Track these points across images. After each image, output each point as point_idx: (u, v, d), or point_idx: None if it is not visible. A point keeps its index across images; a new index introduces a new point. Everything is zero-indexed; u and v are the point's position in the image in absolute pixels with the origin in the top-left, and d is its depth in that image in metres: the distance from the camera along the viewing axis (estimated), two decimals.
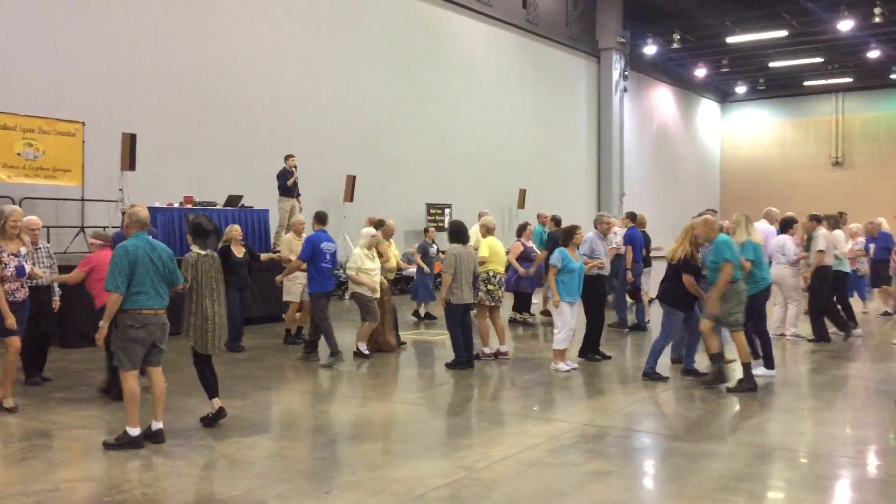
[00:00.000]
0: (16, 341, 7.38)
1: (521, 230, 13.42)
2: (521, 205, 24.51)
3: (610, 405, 7.76)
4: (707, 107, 40.15)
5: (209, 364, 6.93)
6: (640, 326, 12.57)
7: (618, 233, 13.03)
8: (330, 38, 19.05)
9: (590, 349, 10.02)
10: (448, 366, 9.50)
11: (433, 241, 14.93)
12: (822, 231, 11.26)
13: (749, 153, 40.48)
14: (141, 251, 6.24)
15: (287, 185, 15.44)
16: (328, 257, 9.88)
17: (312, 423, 7.36)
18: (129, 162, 13.88)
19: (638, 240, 12.53)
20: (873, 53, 30.57)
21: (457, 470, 5.72)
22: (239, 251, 10.66)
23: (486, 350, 10.13)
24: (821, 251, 11.05)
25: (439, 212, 21.71)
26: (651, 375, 8.69)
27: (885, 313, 14.42)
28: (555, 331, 9.31)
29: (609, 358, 10.02)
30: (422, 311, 14.06)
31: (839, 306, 11.72)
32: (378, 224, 11.78)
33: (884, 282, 14.22)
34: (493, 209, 23.82)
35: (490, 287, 10.09)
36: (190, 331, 6.69)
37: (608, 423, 7.08)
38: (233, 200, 14.45)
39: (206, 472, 5.83)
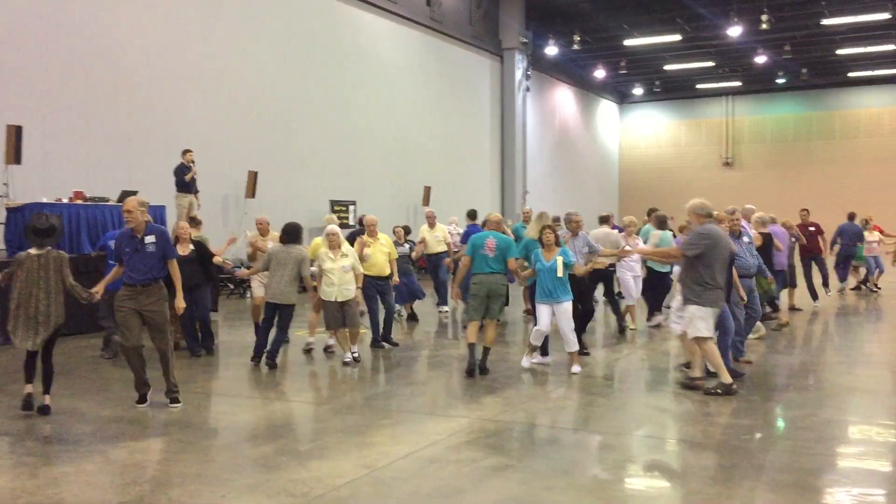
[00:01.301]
0: None
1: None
2: (426, 202, 24.58)
3: (511, 400, 7.87)
4: (606, 107, 41.23)
5: (42, 359, 7.18)
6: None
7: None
8: (230, 31, 18.62)
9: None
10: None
11: (401, 241, 14.89)
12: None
13: (646, 152, 41.81)
14: None
15: (185, 181, 15.03)
16: None
17: (210, 426, 7.19)
18: (15, 155, 13.22)
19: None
20: (760, 59, 32.02)
21: (357, 469, 5.69)
22: (184, 249, 10.24)
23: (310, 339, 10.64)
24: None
25: (343, 208, 21.55)
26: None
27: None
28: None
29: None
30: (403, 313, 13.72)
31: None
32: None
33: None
34: (397, 206, 23.93)
35: None
36: (9, 325, 7.04)
37: (508, 418, 7.18)
38: (126, 196, 13.93)
39: (95, 478, 5.61)
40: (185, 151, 15.15)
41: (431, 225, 14.60)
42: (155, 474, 5.61)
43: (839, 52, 32.00)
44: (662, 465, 5.86)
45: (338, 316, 9.60)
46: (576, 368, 8.98)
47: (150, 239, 7.41)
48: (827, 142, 38.03)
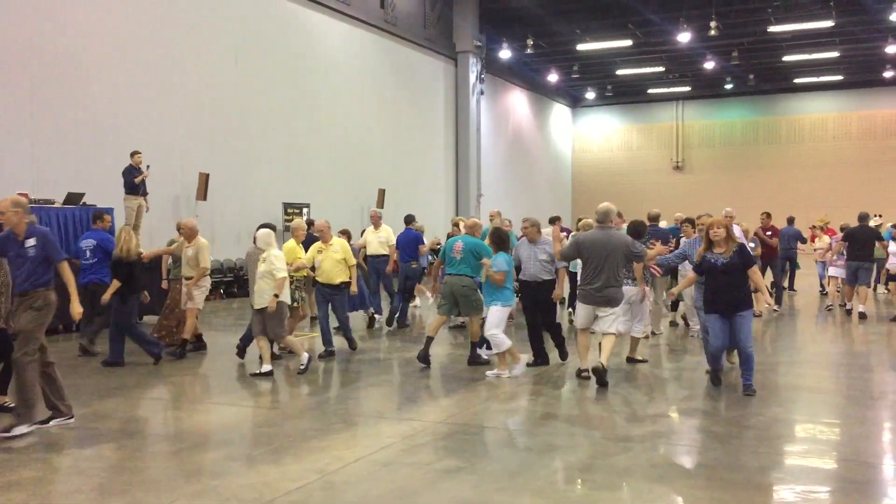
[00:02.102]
0: None
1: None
2: (381, 204, 24.52)
3: (464, 403, 7.89)
4: (559, 111, 41.60)
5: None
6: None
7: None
8: (181, 30, 18.34)
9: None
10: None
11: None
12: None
13: (598, 156, 42.28)
14: None
15: (133, 183, 14.76)
16: None
17: (158, 431, 7.07)
18: None
19: None
20: (709, 64, 32.60)
21: (308, 473, 5.65)
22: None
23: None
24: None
25: (297, 211, 21.38)
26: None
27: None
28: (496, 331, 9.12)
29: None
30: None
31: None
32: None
33: None
34: (351, 208, 23.83)
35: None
36: None
37: (461, 420, 7.19)
38: (73, 198, 13.66)
39: (37, 486, 5.47)
40: (134, 153, 14.89)
41: (376, 226, 14.22)
42: (100, 482, 5.50)
43: (785, 58, 32.74)
44: (612, 466, 5.92)
45: (259, 324, 9.38)
46: (495, 373, 9.04)
47: (30, 242, 6.83)
48: (774, 146, 38.88)
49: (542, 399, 8.18)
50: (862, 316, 14.17)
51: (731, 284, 8.05)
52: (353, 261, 10.72)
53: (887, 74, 34.81)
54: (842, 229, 15.84)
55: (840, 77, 35.81)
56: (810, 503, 5.15)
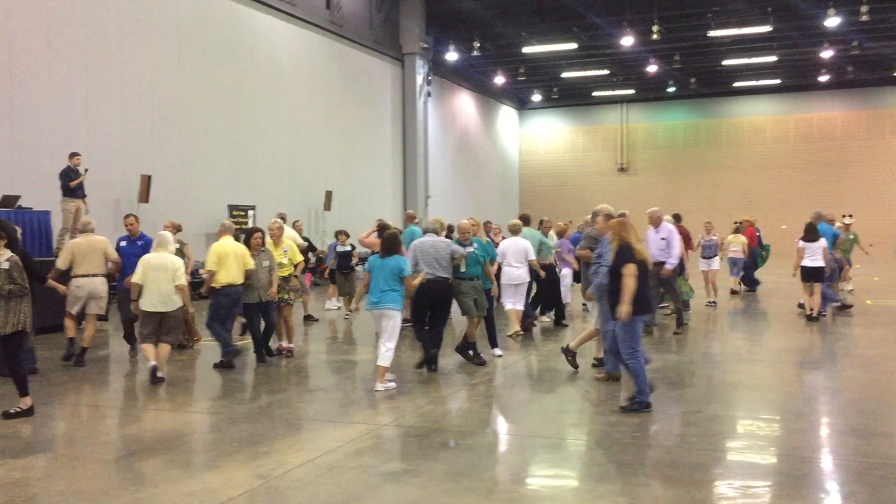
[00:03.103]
0: None
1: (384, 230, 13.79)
2: (328, 206, 24.39)
3: (410, 405, 7.87)
4: (506, 113, 41.86)
5: None
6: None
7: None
8: (121, 28, 17.96)
9: (468, 347, 10.03)
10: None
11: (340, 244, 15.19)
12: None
13: (545, 158, 42.65)
14: None
15: (71, 186, 14.41)
16: None
17: (98, 439, 6.90)
18: None
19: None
20: (652, 68, 33.15)
21: (252, 479, 5.57)
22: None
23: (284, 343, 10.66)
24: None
25: (242, 213, 21.13)
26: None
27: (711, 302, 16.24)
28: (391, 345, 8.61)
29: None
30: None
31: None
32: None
33: None
34: (299, 211, 23.58)
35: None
36: None
37: (407, 423, 7.18)
38: (8, 201, 13.28)
39: None
40: (73, 155, 14.54)
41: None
42: (35, 492, 5.34)
43: (725, 62, 33.47)
44: (557, 465, 5.97)
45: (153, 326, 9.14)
46: (378, 386, 8.44)
47: None
48: (715, 148, 39.71)
49: (489, 400, 8.21)
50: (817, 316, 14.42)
51: (610, 287, 7.65)
52: (288, 264, 10.60)
53: (822, 78, 35.86)
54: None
55: (778, 81, 36.78)
56: (749, 498, 5.26)
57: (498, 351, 10.39)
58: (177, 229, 11.40)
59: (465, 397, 8.33)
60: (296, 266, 10.96)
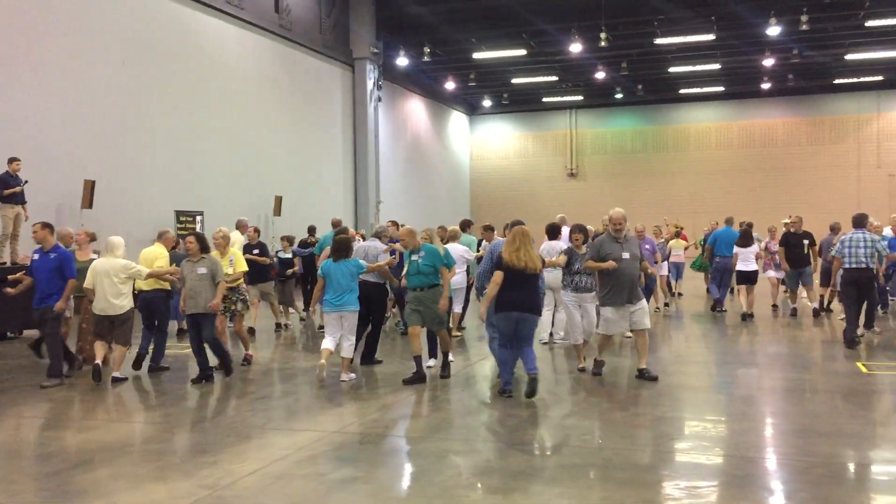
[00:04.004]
0: None
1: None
2: (278, 212, 24.16)
3: (359, 412, 7.83)
4: (457, 119, 41.98)
5: None
6: None
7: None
8: (63, 29, 17.52)
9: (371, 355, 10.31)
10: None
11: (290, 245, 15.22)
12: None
13: (496, 163, 42.86)
14: None
15: (5, 194, 14.00)
16: None
17: (39, 452, 6.71)
18: None
19: None
20: (600, 75, 33.57)
21: (198, 489, 5.48)
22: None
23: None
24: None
25: (190, 219, 20.80)
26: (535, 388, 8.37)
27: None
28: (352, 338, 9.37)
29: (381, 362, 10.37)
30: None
31: None
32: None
33: None
34: (248, 216, 23.21)
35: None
36: None
37: (355, 429, 7.14)
38: None
39: None
40: (12, 160, 14.13)
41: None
42: None
43: (671, 69, 34.05)
44: (505, 470, 5.99)
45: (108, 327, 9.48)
46: (343, 377, 9.15)
47: None
48: (661, 154, 40.36)
49: (438, 405, 8.21)
50: (792, 312, 14.98)
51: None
52: (234, 271, 10.42)
53: (764, 86, 36.74)
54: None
55: (721, 88, 37.54)
56: (695, 498, 5.34)
57: (431, 361, 9.96)
58: (91, 238, 11.10)
59: (414, 403, 8.31)
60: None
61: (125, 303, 9.41)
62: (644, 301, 9.28)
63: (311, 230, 16.70)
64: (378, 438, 6.93)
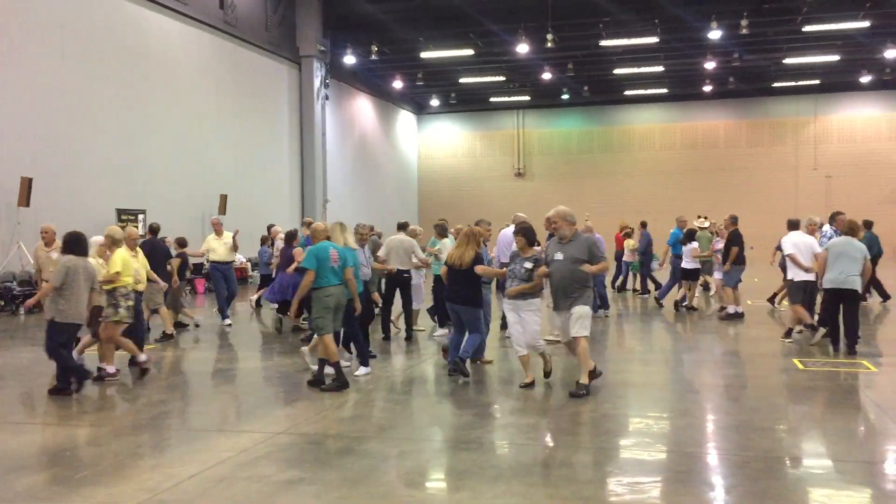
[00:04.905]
0: None
1: (292, 237, 13.58)
2: (223, 210, 23.81)
3: (304, 412, 7.76)
4: (405, 118, 41.91)
5: None
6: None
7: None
8: None
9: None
10: (51, 391, 8.60)
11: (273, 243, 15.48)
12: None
13: (444, 163, 42.93)
14: None
15: None
16: None
17: None
18: None
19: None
20: (546, 75, 33.85)
21: (138, 493, 5.37)
22: None
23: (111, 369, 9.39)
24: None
25: (132, 217, 20.38)
26: (461, 369, 9.16)
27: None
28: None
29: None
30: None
31: None
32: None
33: None
34: (192, 214, 22.95)
35: (129, 303, 9.38)
36: None
37: (302, 430, 7.07)
38: None
39: None
40: None
41: (219, 233, 14.67)
42: None
43: (616, 71, 34.53)
44: (451, 469, 6.00)
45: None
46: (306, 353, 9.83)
47: None
48: (607, 154, 40.89)
49: (383, 406, 8.18)
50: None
51: None
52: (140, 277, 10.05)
53: (706, 89, 37.50)
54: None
55: (665, 90, 38.22)
56: (638, 493, 5.42)
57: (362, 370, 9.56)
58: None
59: (360, 403, 8.27)
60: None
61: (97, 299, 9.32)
62: (581, 306, 8.40)
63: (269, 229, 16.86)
64: (323, 439, 6.88)
